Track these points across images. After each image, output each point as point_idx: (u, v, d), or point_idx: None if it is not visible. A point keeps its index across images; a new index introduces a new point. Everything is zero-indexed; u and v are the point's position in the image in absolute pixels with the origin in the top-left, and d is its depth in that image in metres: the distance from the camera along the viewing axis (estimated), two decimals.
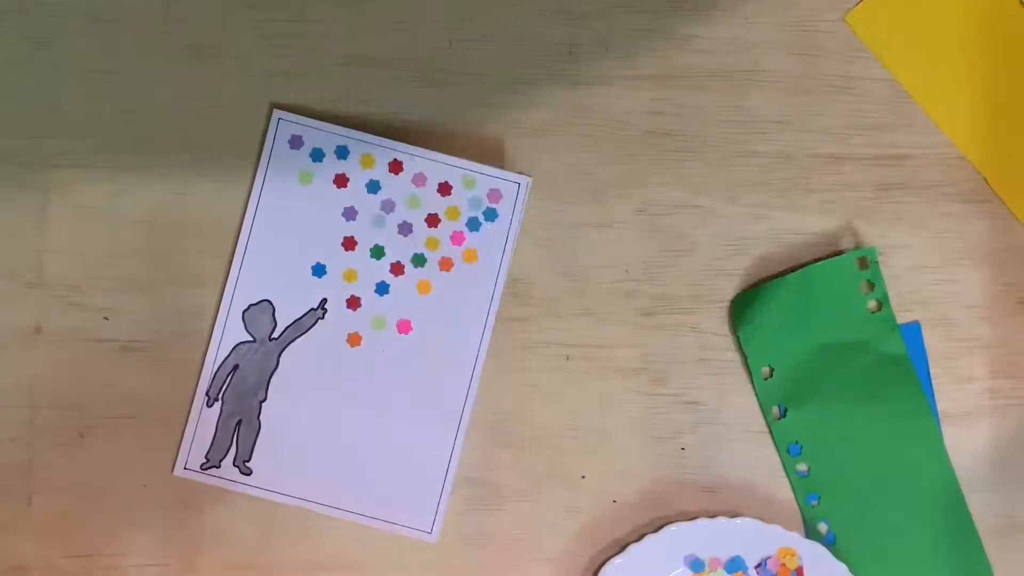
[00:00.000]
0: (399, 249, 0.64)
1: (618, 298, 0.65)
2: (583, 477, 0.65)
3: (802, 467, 0.65)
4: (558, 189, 0.65)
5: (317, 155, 0.64)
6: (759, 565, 0.64)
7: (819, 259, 0.66)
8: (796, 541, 0.64)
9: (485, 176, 0.64)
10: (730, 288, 0.66)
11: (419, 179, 0.64)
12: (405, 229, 0.64)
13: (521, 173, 0.64)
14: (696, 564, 0.64)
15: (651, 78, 0.66)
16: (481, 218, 0.64)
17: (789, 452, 0.65)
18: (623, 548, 0.64)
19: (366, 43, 0.65)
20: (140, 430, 0.63)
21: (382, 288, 0.64)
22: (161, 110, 0.64)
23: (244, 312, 0.63)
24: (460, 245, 0.64)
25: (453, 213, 0.64)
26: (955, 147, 0.67)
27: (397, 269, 0.64)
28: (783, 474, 0.66)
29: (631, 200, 0.66)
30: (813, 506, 0.65)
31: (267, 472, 0.63)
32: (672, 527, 0.64)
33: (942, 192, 0.67)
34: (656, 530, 0.64)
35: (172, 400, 0.63)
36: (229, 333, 0.63)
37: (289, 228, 0.64)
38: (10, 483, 0.62)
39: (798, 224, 0.66)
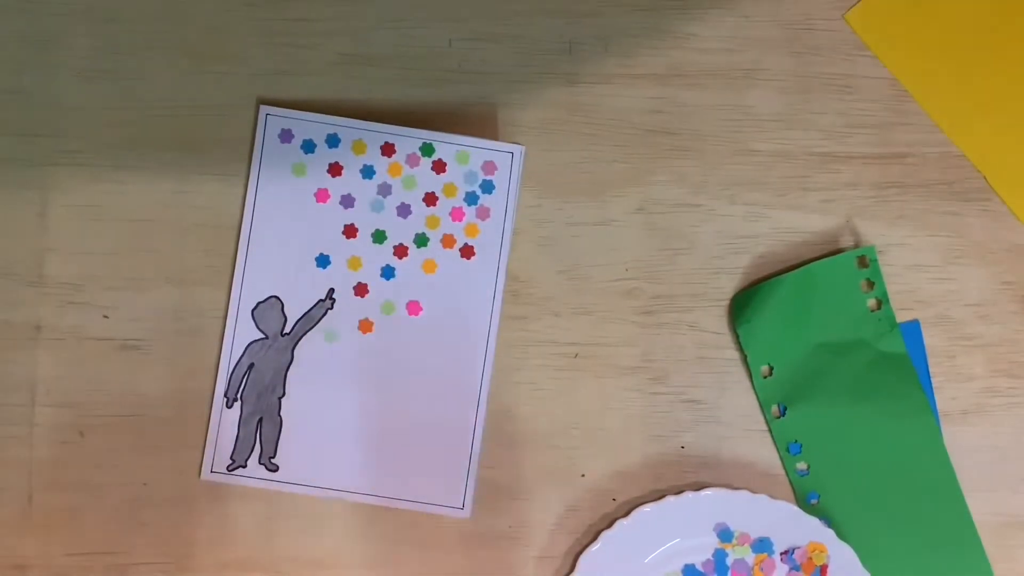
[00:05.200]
0: (400, 231, 0.64)
1: (617, 297, 0.65)
2: (583, 476, 0.65)
3: (802, 465, 0.65)
4: (557, 188, 0.65)
5: (308, 146, 0.64)
6: (786, 552, 0.64)
7: (818, 258, 0.66)
8: (830, 539, 0.64)
9: (478, 149, 0.64)
10: (729, 287, 0.66)
11: (412, 159, 0.64)
12: (404, 211, 0.64)
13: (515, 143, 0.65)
14: (725, 534, 0.64)
15: (650, 76, 0.66)
16: (478, 191, 0.64)
17: (789, 451, 0.65)
18: (596, 535, 0.64)
19: (366, 42, 0.65)
20: (140, 428, 0.63)
21: (387, 272, 0.64)
22: (161, 109, 0.64)
23: (253, 310, 0.63)
24: (460, 221, 0.64)
25: (450, 190, 0.64)
26: (954, 145, 0.67)
27: (400, 251, 0.64)
28: (783, 472, 0.66)
29: (630, 199, 0.66)
30: (813, 504, 0.65)
31: (294, 467, 0.63)
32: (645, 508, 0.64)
33: (941, 190, 0.67)
34: (626, 514, 0.64)
35: (173, 398, 0.63)
36: (240, 332, 0.63)
37: (288, 222, 0.64)
38: (11, 481, 0.63)
39: (797, 223, 0.66)
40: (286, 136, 0.64)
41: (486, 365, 0.64)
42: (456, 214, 0.64)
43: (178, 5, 0.64)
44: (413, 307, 0.64)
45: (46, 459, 0.63)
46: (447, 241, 0.64)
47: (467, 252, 0.64)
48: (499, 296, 0.64)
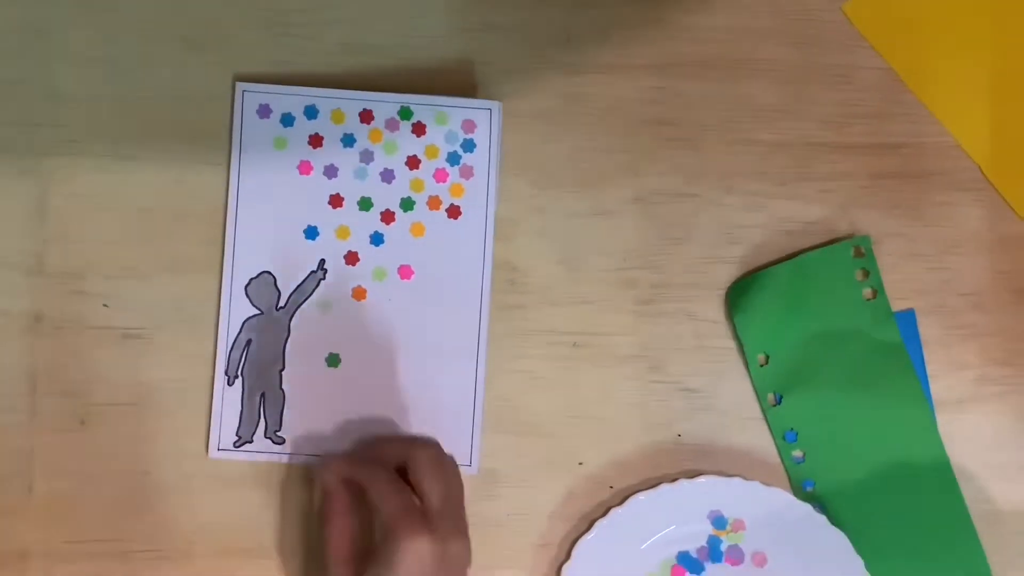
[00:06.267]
0: (385, 197, 0.64)
1: (615, 286, 0.66)
2: (580, 464, 0.65)
3: (797, 453, 0.66)
4: (556, 177, 0.66)
5: (287, 120, 0.64)
6: None
7: (815, 247, 0.66)
8: (822, 525, 0.64)
9: (455, 108, 0.64)
10: (727, 276, 0.66)
11: (391, 124, 0.64)
12: (388, 176, 0.64)
13: (492, 99, 0.65)
14: (719, 521, 0.65)
15: (649, 67, 0.66)
16: (460, 151, 0.65)
17: (785, 439, 0.66)
18: (591, 524, 0.65)
19: (364, 32, 0.65)
20: (140, 417, 0.63)
21: (376, 239, 0.64)
22: (160, 98, 0.64)
23: (246, 287, 0.64)
24: (444, 181, 0.65)
25: (431, 151, 0.64)
26: (951, 136, 0.67)
27: (387, 217, 0.64)
28: (779, 461, 0.66)
29: (629, 188, 0.66)
30: (808, 492, 0.66)
31: (300, 438, 0.64)
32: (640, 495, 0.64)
33: (937, 181, 0.67)
34: (621, 502, 0.65)
35: (173, 386, 0.63)
36: (236, 310, 0.63)
37: (274, 196, 0.64)
38: (11, 469, 0.63)
39: (795, 212, 0.67)
40: (264, 111, 0.64)
41: (482, 320, 0.64)
42: (440, 175, 0.65)
43: None
44: (405, 271, 0.64)
45: (47, 447, 0.63)
46: (433, 203, 0.64)
47: (454, 212, 0.64)
48: (489, 253, 0.64)
